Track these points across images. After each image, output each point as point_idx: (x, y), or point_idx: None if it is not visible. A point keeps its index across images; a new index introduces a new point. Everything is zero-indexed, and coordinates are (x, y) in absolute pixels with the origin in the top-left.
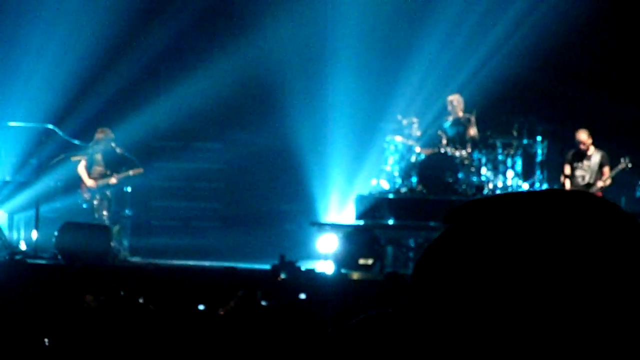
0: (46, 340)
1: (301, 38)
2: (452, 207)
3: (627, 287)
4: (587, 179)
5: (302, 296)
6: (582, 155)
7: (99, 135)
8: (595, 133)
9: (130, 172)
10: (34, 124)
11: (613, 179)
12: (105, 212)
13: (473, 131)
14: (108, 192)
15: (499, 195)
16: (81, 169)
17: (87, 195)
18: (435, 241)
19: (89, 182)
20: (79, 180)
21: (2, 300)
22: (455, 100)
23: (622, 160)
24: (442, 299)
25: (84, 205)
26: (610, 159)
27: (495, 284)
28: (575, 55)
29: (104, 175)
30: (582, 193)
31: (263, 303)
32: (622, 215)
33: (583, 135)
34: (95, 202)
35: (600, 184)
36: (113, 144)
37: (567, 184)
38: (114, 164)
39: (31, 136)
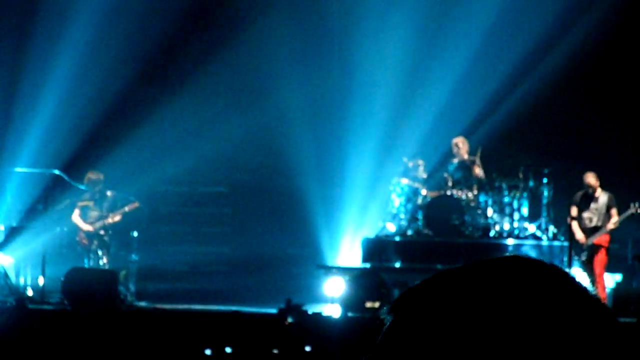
0: None
1: (307, 83)
2: (392, 301)
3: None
4: (594, 222)
5: (308, 349)
6: (589, 197)
7: (91, 176)
8: (603, 174)
9: (126, 208)
10: (40, 169)
11: (620, 222)
12: (105, 258)
13: (479, 173)
14: (106, 237)
15: (432, 278)
16: (75, 217)
17: (85, 241)
18: (383, 338)
19: (86, 227)
20: (76, 228)
21: (9, 345)
22: (460, 143)
23: (631, 205)
24: None
25: (87, 254)
26: (617, 201)
27: None
28: (582, 95)
29: (100, 217)
30: (511, 260)
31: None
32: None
33: (591, 179)
34: (92, 247)
35: (610, 226)
36: (103, 187)
37: (574, 226)
38: (108, 206)
39: (38, 182)
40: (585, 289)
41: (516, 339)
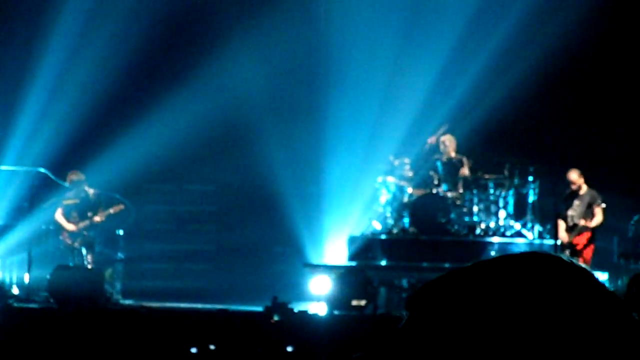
0: None
1: (293, 78)
2: (408, 296)
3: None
4: (575, 219)
5: (290, 349)
6: (574, 195)
7: (72, 177)
8: (590, 172)
9: (111, 210)
10: (25, 167)
11: (603, 218)
12: (89, 257)
13: (465, 171)
14: (90, 236)
15: (448, 275)
16: (59, 216)
17: (69, 241)
18: (400, 333)
19: (70, 227)
20: (60, 227)
21: None
22: (447, 141)
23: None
24: None
25: (71, 253)
26: (601, 198)
27: None
28: (568, 93)
29: (83, 217)
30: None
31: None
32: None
33: (573, 175)
34: (76, 245)
35: (582, 222)
36: (86, 187)
37: (561, 224)
38: (91, 206)
39: (23, 180)
40: (603, 284)
41: (537, 335)
